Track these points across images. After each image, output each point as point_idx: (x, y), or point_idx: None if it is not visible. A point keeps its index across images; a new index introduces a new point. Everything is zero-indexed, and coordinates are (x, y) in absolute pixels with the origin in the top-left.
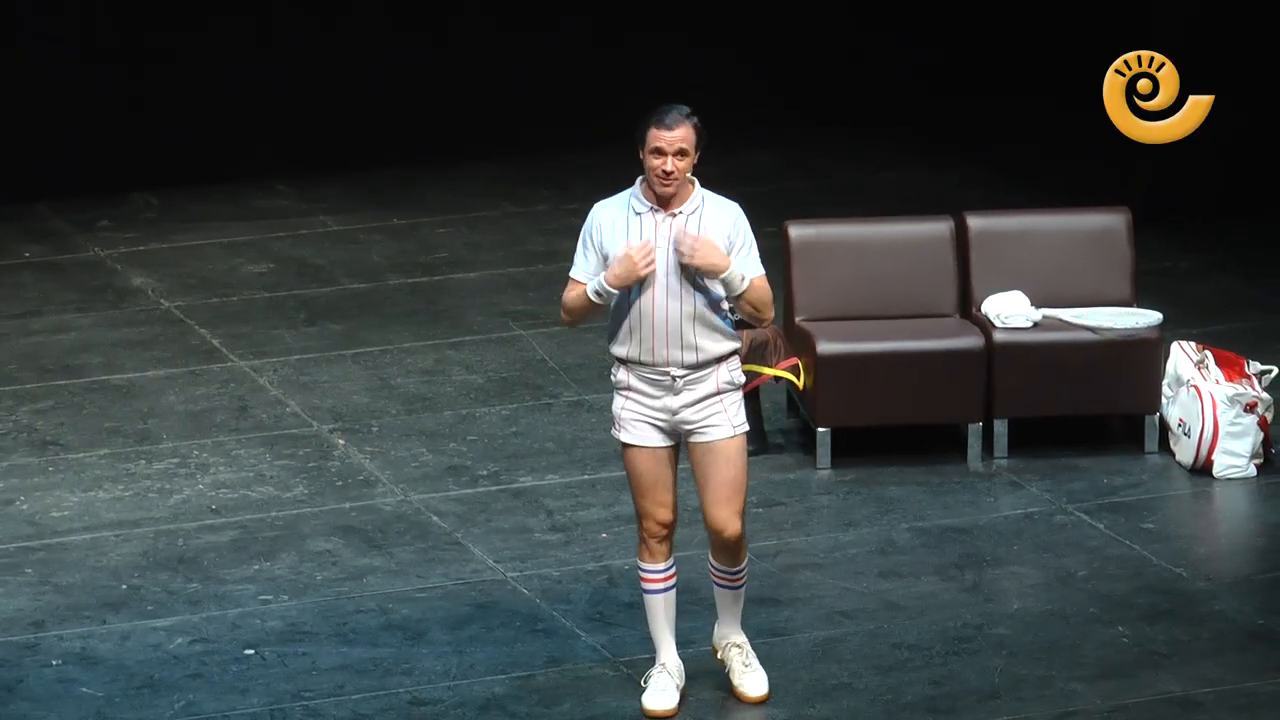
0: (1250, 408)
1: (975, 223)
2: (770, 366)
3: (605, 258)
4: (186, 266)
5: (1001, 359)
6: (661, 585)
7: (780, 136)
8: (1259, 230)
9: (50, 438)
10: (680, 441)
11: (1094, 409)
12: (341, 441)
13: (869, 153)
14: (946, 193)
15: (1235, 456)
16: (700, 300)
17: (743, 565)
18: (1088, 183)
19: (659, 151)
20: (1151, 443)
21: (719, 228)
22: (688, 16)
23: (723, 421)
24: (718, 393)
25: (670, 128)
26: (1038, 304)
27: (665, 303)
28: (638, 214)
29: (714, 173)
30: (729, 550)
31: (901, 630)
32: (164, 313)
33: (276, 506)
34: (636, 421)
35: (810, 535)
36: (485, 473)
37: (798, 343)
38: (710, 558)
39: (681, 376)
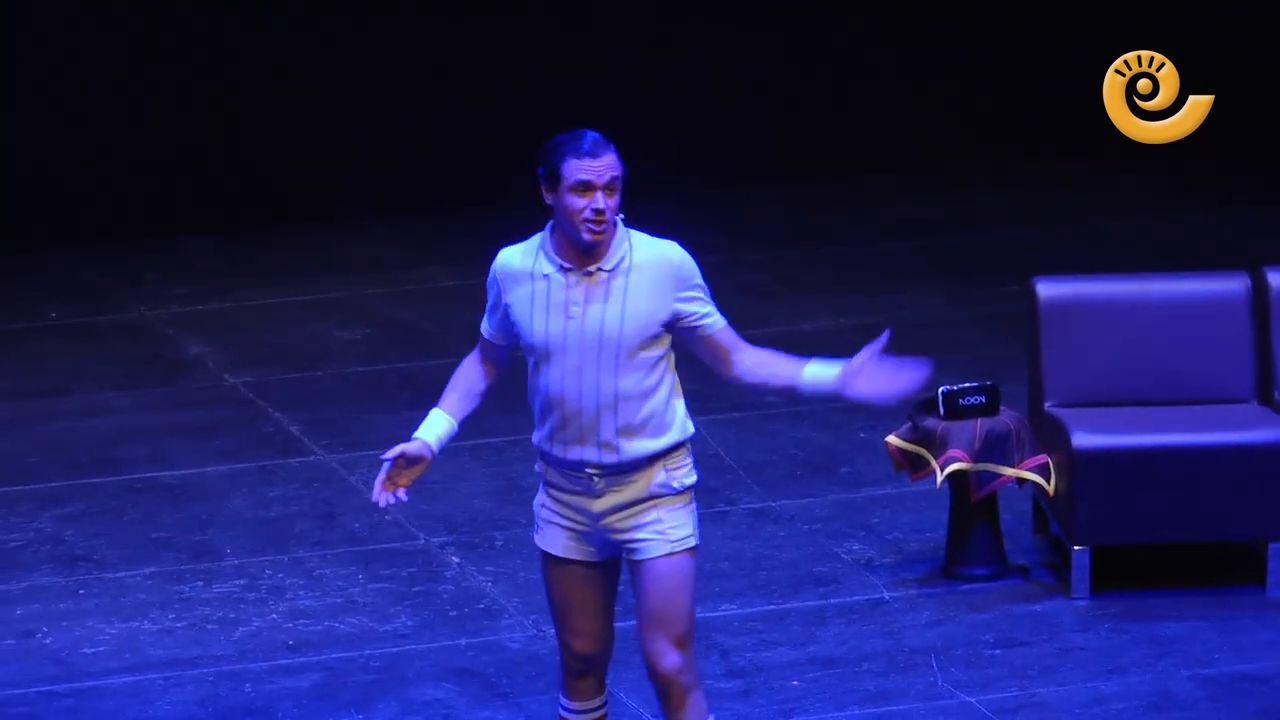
0: None
1: (1279, 280)
2: (1011, 466)
3: (507, 318)
4: (256, 332)
5: None
6: None
7: (1006, 170)
8: None
9: (81, 552)
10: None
11: None
12: (456, 559)
13: (1124, 190)
14: (1236, 242)
15: None
16: (622, 384)
17: None
18: None
19: (586, 186)
20: None
21: (666, 281)
22: None
23: (656, 535)
24: (649, 498)
25: (596, 154)
26: None
27: (588, 383)
28: (545, 275)
29: (924, 214)
30: (668, 698)
31: None
32: (228, 390)
33: (372, 642)
34: (549, 524)
35: (1063, 685)
36: None
37: (1047, 435)
38: None
39: (600, 477)
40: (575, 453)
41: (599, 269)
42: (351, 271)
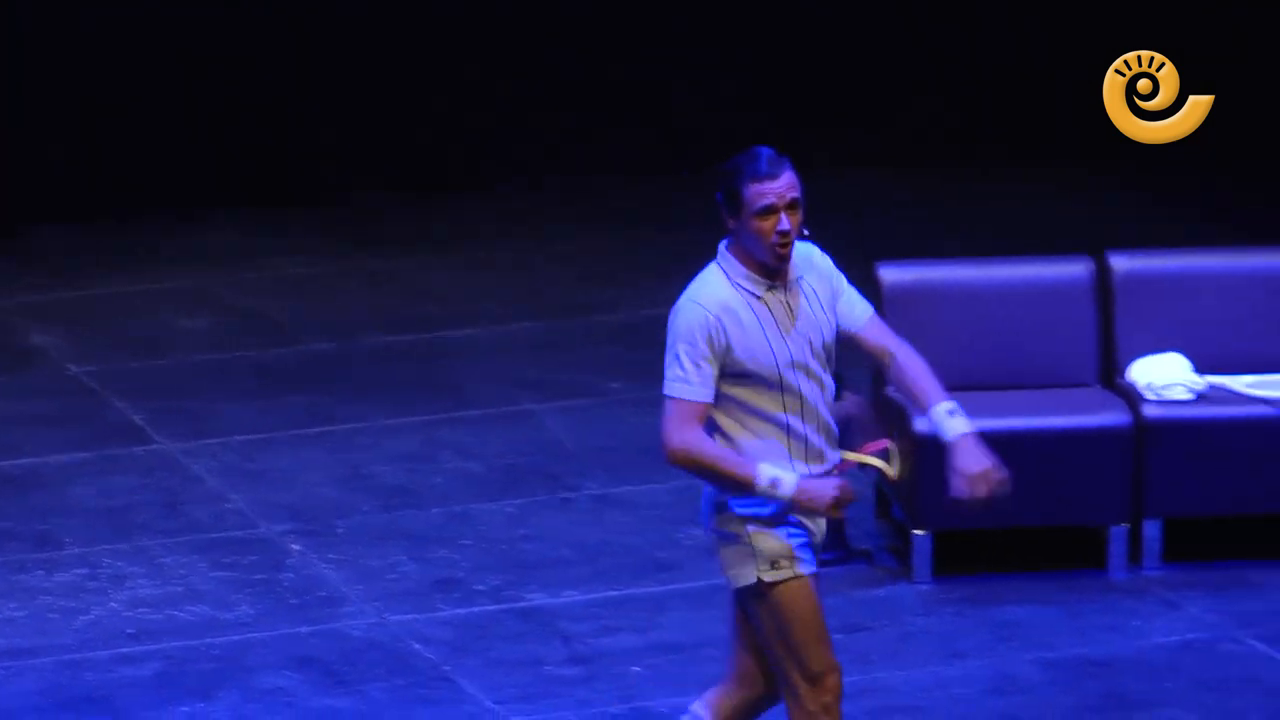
0: None
1: (1121, 264)
2: (853, 450)
3: (733, 363)
4: (100, 321)
5: (1154, 441)
6: None
7: (862, 159)
8: None
9: None
10: None
11: (1276, 506)
12: (298, 547)
13: (975, 177)
14: (1082, 227)
15: None
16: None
17: None
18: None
19: (770, 209)
20: None
21: (824, 281)
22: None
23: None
24: None
25: (775, 175)
26: (1202, 369)
27: (816, 393)
28: (759, 298)
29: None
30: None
31: None
32: (71, 380)
33: (214, 630)
34: (806, 546)
35: (906, 669)
36: (484, 588)
37: (890, 419)
38: None
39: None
40: (829, 459)
41: (795, 278)
42: (198, 260)
